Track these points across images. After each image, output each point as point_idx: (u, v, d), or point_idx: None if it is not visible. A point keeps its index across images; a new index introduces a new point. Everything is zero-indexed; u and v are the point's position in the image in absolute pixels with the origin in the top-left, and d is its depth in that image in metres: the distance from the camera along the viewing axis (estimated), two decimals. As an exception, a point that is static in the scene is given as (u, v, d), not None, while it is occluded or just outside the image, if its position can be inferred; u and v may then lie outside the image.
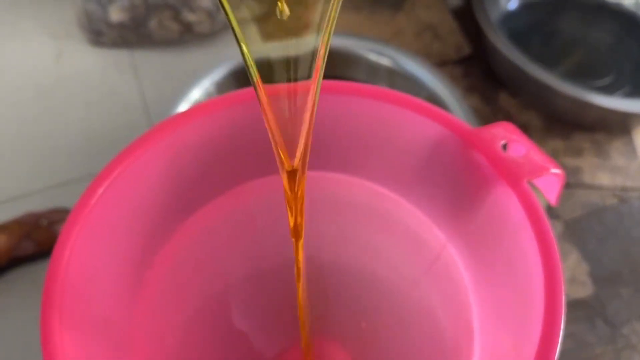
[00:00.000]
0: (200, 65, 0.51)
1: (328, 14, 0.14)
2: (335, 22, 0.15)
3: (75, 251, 0.19)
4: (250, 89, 0.24)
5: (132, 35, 0.53)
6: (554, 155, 0.51)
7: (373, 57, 0.48)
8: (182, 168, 0.23)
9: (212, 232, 0.25)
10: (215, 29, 0.53)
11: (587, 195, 0.49)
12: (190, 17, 0.51)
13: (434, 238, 0.23)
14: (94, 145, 0.48)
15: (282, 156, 0.18)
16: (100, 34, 0.53)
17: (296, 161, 0.18)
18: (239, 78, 0.47)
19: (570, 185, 0.50)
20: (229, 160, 0.24)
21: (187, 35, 0.53)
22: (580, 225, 0.48)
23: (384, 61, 0.48)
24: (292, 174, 0.18)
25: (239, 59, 0.47)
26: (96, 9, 0.51)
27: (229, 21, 0.14)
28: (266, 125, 0.17)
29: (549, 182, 0.21)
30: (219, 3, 0.13)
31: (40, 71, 0.54)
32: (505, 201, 0.20)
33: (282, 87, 0.16)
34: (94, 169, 0.47)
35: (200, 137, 0.23)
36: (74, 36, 0.55)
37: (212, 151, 0.24)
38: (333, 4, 0.14)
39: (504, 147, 0.22)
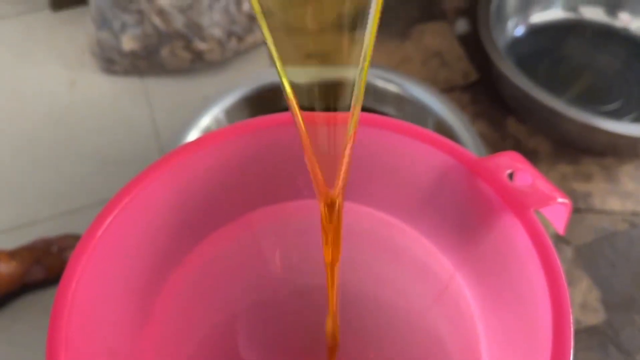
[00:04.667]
0: (210, 92, 0.52)
1: (365, 42, 0.14)
2: (371, 50, 0.14)
3: (83, 281, 0.19)
4: (257, 119, 0.24)
5: (144, 63, 0.54)
6: (564, 180, 0.50)
7: (381, 83, 0.49)
8: (190, 197, 0.23)
9: (218, 261, 0.25)
10: (226, 57, 0.54)
11: (597, 220, 0.49)
12: (201, 45, 0.52)
13: (442, 267, 0.23)
14: (105, 172, 0.49)
15: (321, 188, 0.18)
16: (113, 62, 0.54)
17: (336, 191, 0.18)
18: (249, 105, 0.47)
19: (581, 210, 0.49)
20: (237, 188, 0.24)
21: (198, 63, 0.54)
22: (591, 251, 0.48)
23: (392, 88, 0.49)
24: (331, 205, 0.18)
25: (248, 86, 0.48)
26: (109, 38, 0.53)
27: (267, 42, 0.14)
28: (306, 157, 0.17)
29: (557, 212, 0.21)
30: (256, 18, 0.13)
31: (54, 98, 0.55)
32: (512, 231, 0.20)
33: (320, 115, 0.16)
34: (106, 195, 0.47)
35: (208, 166, 0.23)
36: (87, 64, 0.57)
37: (220, 180, 0.24)
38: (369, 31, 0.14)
39: (510, 176, 0.22)
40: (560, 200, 0.21)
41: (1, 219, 0.48)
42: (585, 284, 0.46)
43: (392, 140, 0.24)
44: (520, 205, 0.20)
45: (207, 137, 0.23)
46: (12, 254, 0.44)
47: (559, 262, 0.19)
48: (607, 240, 0.48)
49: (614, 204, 0.50)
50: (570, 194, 0.50)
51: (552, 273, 0.19)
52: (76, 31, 0.59)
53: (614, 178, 0.51)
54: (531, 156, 0.52)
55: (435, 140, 0.23)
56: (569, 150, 0.52)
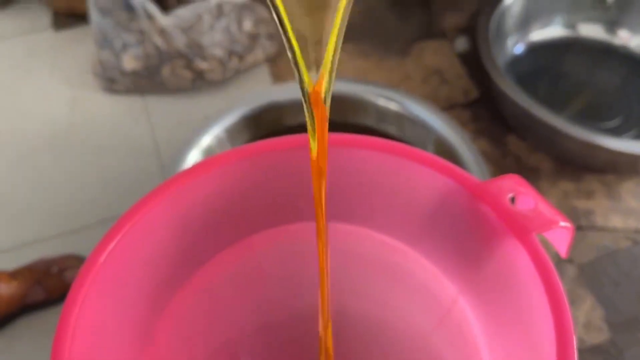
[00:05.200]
0: (211, 111, 0.52)
1: None
2: None
3: (85, 305, 0.19)
4: (257, 143, 0.24)
5: (145, 82, 0.54)
6: (565, 198, 0.50)
7: (382, 102, 0.49)
8: (191, 222, 0.23)
9: (220, 285, 0.25)
10: (227, 76, 0.55)
11: (600, 238, 0.49)
12: (202, 65, 0.52)
13: (445, 291, 0.23)
14: (107, 191, 0.49)
15: (305, 78, 0.16)
16: (114, 81, 0.55)
17: (321, 81, 0.16)
18: (249, 124, 0.47)
19: (583, 228, 0.49)
20: (237, 212, 0.24)
21: (198, 82, 0.54)
22: (594, 269, 0.47)
23: (393, 106, 0.49)
24: (316, 99, 0.17)
25: (249, 105, 0.48)
26: (110, 57, 0.53)
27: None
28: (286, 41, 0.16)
29: (559, 235, 0.21)
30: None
31: (55, 118, 0.55)
32: (514, 255, 0.20)
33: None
34: (107, 214, 0.47)
35: (209, 191, 0.23)
36: (89, 83, 0.57)
37: (221, 204, 0.24)
38: None
39: (512, 200, 0.22)
40: (562, 224, 0.21)
41: (1, 239, 0.48)
42: (589, 302, 0.45)
43: (394, 163, 0.24)
44: (522, 229, 0.20)
45: (207, 162, 0.23)
46: (13, 275, 0.44)
47: (561, 286, 0.19)
48: (610, 258, 0.48)
49: (616, 221, 0.50)
50: (572, 211, 0.50)
51: (554, 297, 0.19)
52: (78, 50, 0.60)
53: (616, 195, 0.51)
54: (532, 174, 0.52)
55: (436, 164, 0.23)
56: (570, 168, 0.52)
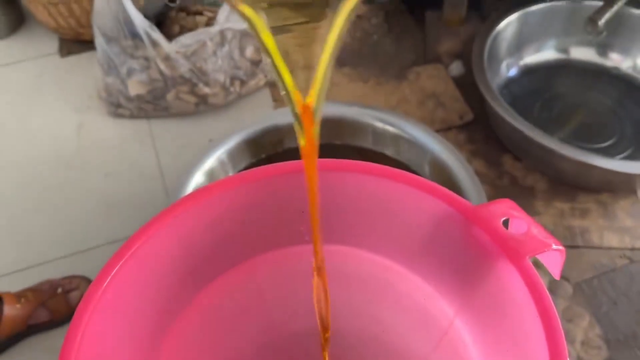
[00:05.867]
0: (214, 134, 0.53)
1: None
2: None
3: (90, 327, 0.20)
4: (257, 169, 0.25)
5: (149, 107, 0.55)
6: (561, 217, 0.51)
7: (379, 124, 0.50)
8: (194, 246, 0.24)
9: (222, 307, 0.26)
10: (229, 101, 0.56)
11: (596, 256, 0.50)
12: (205, 90, 0.53)
13: (442, 313, 0.24)
14: (111, 213, 0.50)
15: (295, 97, 0.17)
16: (119, 106, 0.56)
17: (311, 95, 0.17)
18: (250, 147, 0.48)
19: (579, 246, 0.50)
20: (239, 236, 0.25)
21: (202, 107, 0.55)
22: (591, 287, 0.48)
23: (390, 128, 0.50)
24: (306, 109, 0.17)
25: (250, 129, 0.49)
26: (115, 82, 0.54)
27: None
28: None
29: (552, 257, 0.22)
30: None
31: (62, 142, 0.56)
32: (508, 278, 0.21)
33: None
34: (112, 236, 0.48)
35: (211, 216, 0.24)
36: (94, 108, 0.58)
37: (223, 229, 0.24)
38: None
39: (506, 223, 0.22)
40: (554, 247, 0.21)
41: (8, 261, 0.49)
42: (587, 321, 0.46)
43: (391, 188, 0.24)
44: (515, 253, 0.21)
45: (209, 187, 0.24)
46: (18, 296, 0.44)
47: (554, 309, 0.20)
48: (607, 276, 0.49)
49: (612, 239, 0.50)
50: (568, 230, 0.51)
51: (548, 321, 0.19)
52: (84, 76, 0.61)
53: (611, 214, 0.52)
54: (528, 193, 0.52)
55: (431, 188, 0.24)
56: (566, 187, 0.53)
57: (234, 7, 0.13)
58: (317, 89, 0.17)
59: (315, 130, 0.18)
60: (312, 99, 0.17)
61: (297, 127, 0.18)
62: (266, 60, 0.17)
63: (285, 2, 0.13)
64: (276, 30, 0.14)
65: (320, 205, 0.22)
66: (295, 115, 0.17)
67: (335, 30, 0.15)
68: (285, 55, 0.15)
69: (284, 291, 0.28)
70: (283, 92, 0.16)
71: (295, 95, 0.17)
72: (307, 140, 0.18)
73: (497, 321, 0.22)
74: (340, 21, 0.15)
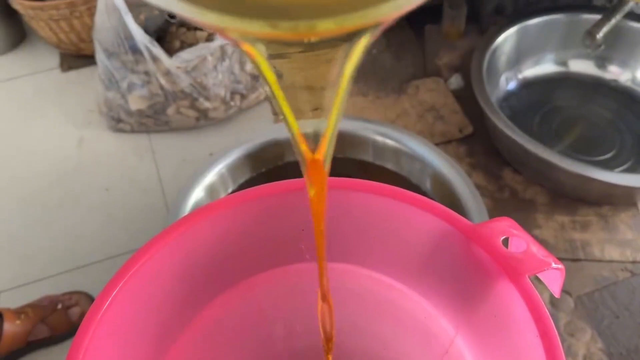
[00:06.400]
0: (215, 148, 0.53)
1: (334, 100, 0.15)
2: (341, 107, 0.15)
3: (91, 347, 0.20)
4: (257, 188, 0.25)
5: (150, 121, 0.55)
6: (562, 230, 0.51)
7: (379, 138, 0.50)
8: (194, 265, 0.24)
9: (222, 325, 0.26)
10: (230, 115, 0.56)
11: (597, 269, 0.49)
12: (206, 104, 0.53)
13: (443, 331, 0.24)
14: (112, 228, 0.50)
15: (304, 148, 0.16)
16: (120, 120, 0.56)
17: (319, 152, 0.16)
18: (250, 162, 0.49)
19: (580, 259, 0.50)
20: (240, 255, 0.25)
21: (202, 121, 0.56)
22: (592, 301, 0.48)
23: (390, 142, 0.50)
24: (314, 162, 0.16)
25: (249, 143, 0.49)
26: (116, 97, 0.55)
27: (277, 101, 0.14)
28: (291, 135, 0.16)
29: (551, 275, 0.22)
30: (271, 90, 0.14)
31: (62, 156, 0.56)
32: (508, 297, 0.21)
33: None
34: (112, 251, 0.48)
35: (212, 235, 0.24)
36: (95, 123, 0.58)
37: (223, 247, 0.24)
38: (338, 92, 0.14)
39: (505, 242, 0.22)
40: (554, 265, 0.21)
41: (7, 277, 0.49)
42: (588, 335, 0.46)
43: (392, 207, 0.24)
44: (515, 272, 0.21)
45: (210, 206, 0.24)
46: (18, 313, 0.44)
47: (554, 329, 0.20)
48: (608, 289, 0.49)
49: (613, 252, 0.50)
50: (569, 243, 0.51)
51: (548, 339, 0.19)
52: (84, 91, 0.62)
53: (612, 227, 0.52)
54: (528, 206, 0.52)
55: (430, 206, 0.24)
56: (566, 200, 0.53)
57: (236, 46, 0.13)
58: (326, 143, 0.16)
59: (325, 178, 0.17)
60: (321, 155, 0.16)
61: (305, 176, 0.17)
62: (280, 115, 0.16)
63: (286, 42, 0.13)
64: (273, 56, 0.13)
65: (327, 235, 0.21)
66: (303, 165, 0.17)
67: (341, 91, 0.14)
68: (280, 77, 0.14)
69: (284, 309, 0.28)
70: (289, 136, 0.16)
71: (303, 147, 0.16)
72: (317, 189, 0.18)
73: (498, 340, 0.22)
74: (345, 84, 0.14)
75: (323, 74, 0.14)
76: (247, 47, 0.13)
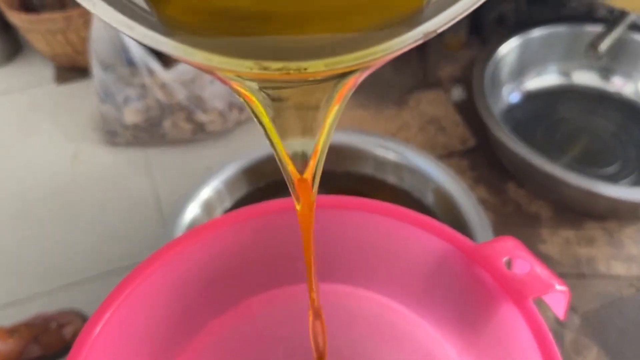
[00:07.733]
0: (212, 162, 0.52)
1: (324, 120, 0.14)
2: (330, 129, 0.15)
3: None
4: (253, 207, 0.24)
5: (146, 135, 0.55)
6: (567, 245, 0.50)
7: (380, 152, 0.49)
8: (190, 286, 0.23)
9: (219, 347, 0.25)
10: (227, 128, 0.55)
11: (603, 285, 0.48)
12: (202, 117, 0.53)
13: (444, 353, 0.23)
14: (107, 244, 0.49)
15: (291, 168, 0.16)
16: (115, 134, 0.55)
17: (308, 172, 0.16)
18: (247, 176, 0.48)
19: (586, 275, 0.49)
20: (236, 275, 0.24)
21: (199, 134, 0.55)
22: (598, 318, 0.47)
23: (391, 156, 0.49)
24: (301, 182, 0.16)
25: (246, 158, 0.48)
26: (112, 111, 0.54)
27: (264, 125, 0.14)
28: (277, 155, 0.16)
29: (556, 298, 0.21)
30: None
31: (57, 171, 0.55)
32: (511, 320, 0.20)
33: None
34: (106, 268, 0.47)
35: (208, 255, 0.23)
36: (90, 137, 0.58)
37: (220, 268, 0.24)
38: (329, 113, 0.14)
39: (508, 263, 0.22)
40: (558, 287, 0.20)
41: (0, 293, 0.48)
42: (594, 353, 0.45)
43: (393, 227, 0.24)
44: (518, 294, 0.20)
45: (206, 226, 0.24)
46: (10, 332, 0.44)
47: (558, 353, 0.19)
48: (614, 306, 0.48)
49: (619, 268, 0.49)
50: (575, 258, 0.50)
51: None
52: (80, 104, 0.61)
53: (617, 242, 0.51)
54: (533, 221, 0.51)
55: (433, 227, 0.23)
56: (571, 214, 0.52)
57: (230, 87, 0.13)
58: (315, 163, 0.15)
59: (313, 197, 0.17)
60: (309, 174, 0.16)
61: (292, 193, 0.17)
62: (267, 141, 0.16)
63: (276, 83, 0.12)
64: (263, 87, 0.13)
65: (316, 252, 0.21)
66: (290, 184, 0.16)
67: (331, 116, 0.14)
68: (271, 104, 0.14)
69: (281, 331, 0.27)
70: (276, 158, 0.15)
71: (291, 168, 0.15)
72: (304, 206, 0.17)
73: (501, 366, 0.21)
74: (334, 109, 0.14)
75: (314, 100, 0.14)
76: (237, 85, 0.12)
